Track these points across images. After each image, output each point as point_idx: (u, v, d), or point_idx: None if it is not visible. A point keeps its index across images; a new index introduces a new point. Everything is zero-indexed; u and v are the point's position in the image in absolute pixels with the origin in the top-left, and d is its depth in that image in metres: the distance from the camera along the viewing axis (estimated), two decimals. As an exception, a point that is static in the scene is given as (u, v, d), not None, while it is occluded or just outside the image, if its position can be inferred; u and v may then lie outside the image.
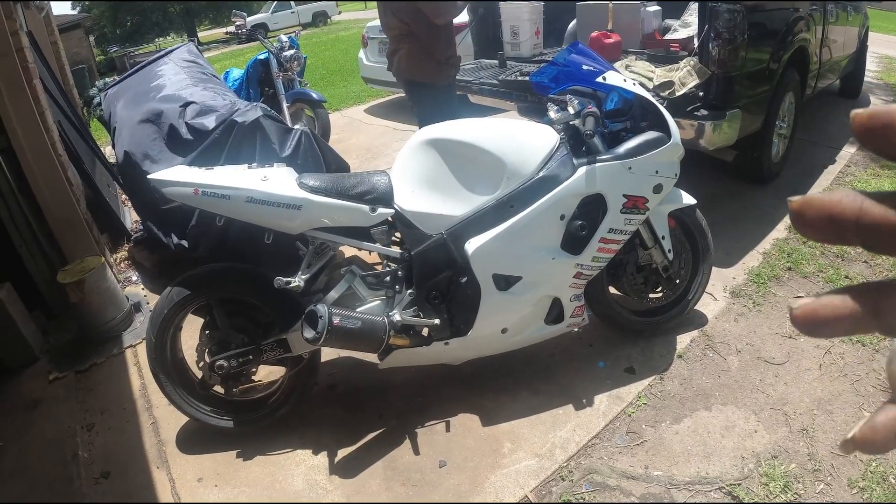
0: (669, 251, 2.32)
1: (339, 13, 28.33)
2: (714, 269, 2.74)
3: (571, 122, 2.10)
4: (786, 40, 3.50)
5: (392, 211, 1.99)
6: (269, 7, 27.42)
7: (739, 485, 1.86)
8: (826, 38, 4.31)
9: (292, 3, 27.44)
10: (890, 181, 4.03)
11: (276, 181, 1.92)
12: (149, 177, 1.97)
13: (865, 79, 6.37)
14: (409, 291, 2.04)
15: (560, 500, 1.85)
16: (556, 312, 2.17)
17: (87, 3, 29.29)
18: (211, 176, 1.91)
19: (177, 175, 1.92)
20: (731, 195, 3.84)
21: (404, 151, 2.09)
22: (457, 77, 3.49)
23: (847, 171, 4.22)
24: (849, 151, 4.61)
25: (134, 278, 3.50)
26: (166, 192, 1.90)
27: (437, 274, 2.03)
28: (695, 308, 2.59)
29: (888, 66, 8.23)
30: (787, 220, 3.46)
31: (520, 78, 3.09)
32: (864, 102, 6.10)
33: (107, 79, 7.65)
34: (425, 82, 3.17)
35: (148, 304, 3.19)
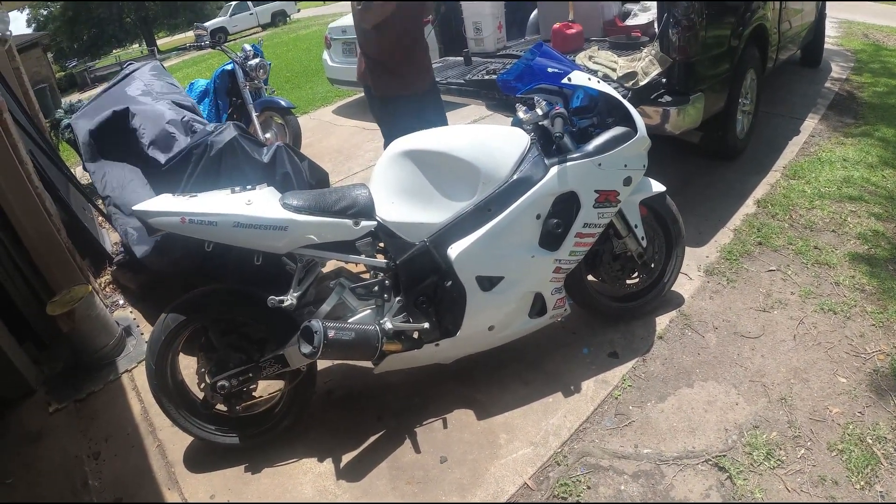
0: (643, 238, 2.41)
1: (298, 11, 28.07)
2: (687, 248, 2.83)
3: (540, 123, 2.17)
4: (745, 19, 3.55)
5: (375, 223, 2.05)
6: (227, 10, 26.84)
7: (725, 456, 1.96)
8: (785, 11, 4.39)
9: (250, 4, 26.91)
10: (854, 149, 4.15)
11: (261, 204, 1.96)
12: (133, 208, 1.97)
13: (825, 46, 6.49)
14: (398, 299, 2.12)
15: (557, 484, 1.95)
16: (538, 306, 2.26)
17: (41, 11, 28.63)
18: (196, 204, 1.92)
19: (162, 205, 1.92)
20: (699, 174, 3.94)
21: (381, 164, 2.15)
22: None
23: (811, 142, 4.34)
24: (812, 122, 4.73)
25: (121, 301, 3.50)
26: (152, 222, 1.89)
27: (423, 280, 2.10)
28: (671, 290, 2.69)
29: (847, 31, 8.38)
30: (755, 195, 3.57)
31: (486, 77, 3.14)
32: (825, 70, 6.24)
33: (71, 100, 7.54)
34: None
35: (138, 326, 3.20)
